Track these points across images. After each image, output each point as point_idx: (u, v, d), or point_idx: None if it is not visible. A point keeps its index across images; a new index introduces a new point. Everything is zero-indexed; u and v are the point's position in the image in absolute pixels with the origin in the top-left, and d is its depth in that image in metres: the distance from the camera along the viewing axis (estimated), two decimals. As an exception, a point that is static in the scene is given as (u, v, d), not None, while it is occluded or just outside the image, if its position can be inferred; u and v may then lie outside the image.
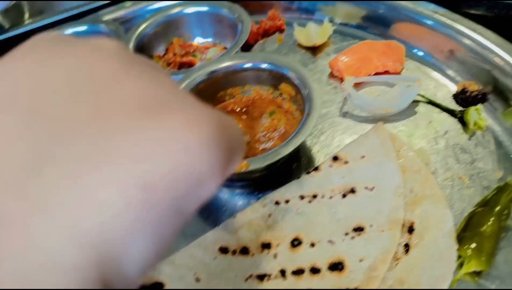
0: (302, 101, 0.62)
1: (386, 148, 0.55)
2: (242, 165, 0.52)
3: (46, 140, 0.20)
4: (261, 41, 0.84)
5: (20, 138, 0.20)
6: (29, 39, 0.25)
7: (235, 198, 0.59)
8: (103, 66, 0.24)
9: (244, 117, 0.68)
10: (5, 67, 0.23)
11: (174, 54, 0.81)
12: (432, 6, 0.75)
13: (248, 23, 0.75)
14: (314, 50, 0.80)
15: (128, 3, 0.90)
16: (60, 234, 0.18)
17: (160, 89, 0.24)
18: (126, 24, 0.87)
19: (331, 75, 0.74)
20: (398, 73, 0.71)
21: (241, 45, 0.71)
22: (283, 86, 0.66)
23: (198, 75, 0.66)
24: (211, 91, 0.68)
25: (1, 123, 0.20)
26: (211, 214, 0.56)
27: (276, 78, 0.67)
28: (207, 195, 0.23)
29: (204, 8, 0.81)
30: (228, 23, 0.80)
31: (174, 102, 0.23)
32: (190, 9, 0.82)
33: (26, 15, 1.03)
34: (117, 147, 0.20)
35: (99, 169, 0.19)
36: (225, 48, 0.83)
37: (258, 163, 0.52)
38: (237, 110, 0.69)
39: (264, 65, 0.67)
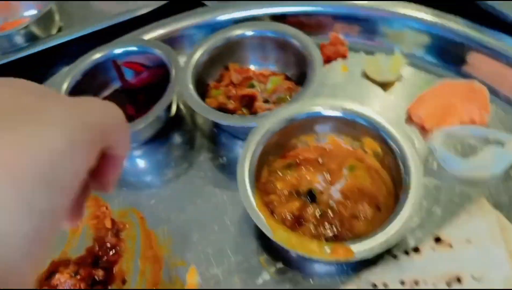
0: (391, 160, 0.57)
1: (493, 232, 0.51)
2: (345, 253, 0.47)
3: None
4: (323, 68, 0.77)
5: None
6: None
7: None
8: None
9: (319, 168, 0.63)
10: None
11: (232, 84, 0.74)
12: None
13: (319, 58, 0.67)
14: (383, 84, 0.74)
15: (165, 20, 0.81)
16: None
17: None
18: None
19: (409, 119, 0.69)
20: (485, 124, 0.66)
21: (313, 87, 0.64)
22: (367, 141, 0.61)
23: (272, 124, 0.60)
24: (284, 139, 0.63)
25: None
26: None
27: (359, 129, 0.61)
28: None
29: (267, 32, 0.73)
30: (293, 50, 0.72)
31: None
32: (251, 32, 0.73)
33: (57, 23, 0.92)
34: None
35: None
36: (285, 76, 0.75)
37: (364, 252, 0.48)
38: (311, 158, 0.64)
39: (345, 115, 0.60)
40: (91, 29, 0.83)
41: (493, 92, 0.69)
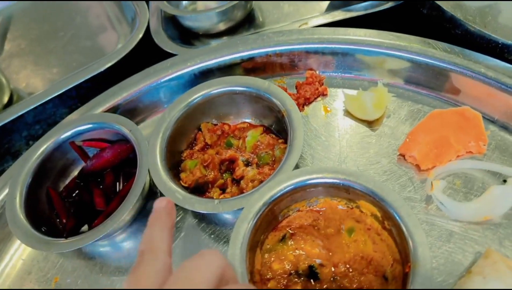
0: (392, 225, 0.52)
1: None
2: None
3: None
4: (302, 112, 0.71)
5: None
6: None
7: None
8: None
9: (315, 234, 0.57)
10: None
11: (207, 145, 0.67)
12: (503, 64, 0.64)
13: (299, 121, 0.60)
14: (369, 121, 0.68)
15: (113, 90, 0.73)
16: None
17: None
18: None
19: (401, 158, 0.63)
20: (482, 154, 0.61)
21: (296, 152, 0.58)
22: (364, 204, 0.55)
23: (258, 206, 0.54)
24: (273, 214, 0.57)
25: None
26: None
27: (353, 193, 0.55)
28: None
29: (238, 88, 0.66)
30: (267, 103, 0.66)
31: None
32: (222, 89, 0.67)
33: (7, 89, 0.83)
34: None
35: None
36: (264, 127, 0.69)
37: None
38: (305, 224, 0.58)
39: (338, 181, 0.55)
40: (46, 96, 0.74)
41: (486, 118, 0.64)
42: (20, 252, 0.66)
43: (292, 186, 0.55)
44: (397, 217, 0.51)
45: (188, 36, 0.88)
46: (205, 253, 0.35)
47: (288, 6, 0.91)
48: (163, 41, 0.82)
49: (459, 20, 0.63)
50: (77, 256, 0.64)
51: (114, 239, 0.65)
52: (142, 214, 0.66)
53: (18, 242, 0.67)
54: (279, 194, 0.54)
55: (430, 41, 0.67)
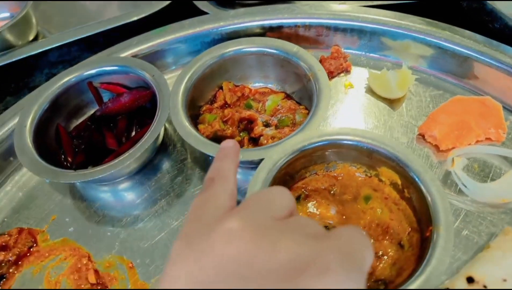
0: (412, 193, 0.52)
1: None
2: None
3: None
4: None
5: None
6: None
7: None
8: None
9: (330, 199, 0.56)
10: None
11: (227, 104, 0.66)
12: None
13: (326, 80, 0.60)
14: (391, 100, 0.68)
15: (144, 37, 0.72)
16: None
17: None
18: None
19: (420, 138, 0.63)
20: (501, 142, 0.62)
21: (321, 113, 0.57)
22: (384, 171, 0.55)
23: (280, 157, 0.53)
24: (291, 171, 0.56)
25: None
26: None
27: (374, 159, 0.55)
28: None
29: (266, 49, 0.66)
30: (293, 68, 0.65)
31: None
32: (248, 48, 0.66)
33: (34, 29, 0.81)
34: None
35: None
36: (285, 94, 0.68)
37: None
38: (321, 188, 0.57)
39: (360, 144, 0.54)
40: (72, 37, 0.73)
41: (507, 109, 0.65)
42: (20, 184, 0.63)
43: (315, 144, 0.54)
44: (420, 183, 0.50)
45: (224, 2, 0.87)
46: (273, 188, 0.34)
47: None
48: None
49: (500, 13, 0.64)
50: (78, 198, 0.62)
51: (117, 186, 0.63)
52: (149, 167, 0.64)
53: (17, 176, 0.64)
54: (302, 149, 0.53)
55: (457, 28, 0.68)
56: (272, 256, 0.26)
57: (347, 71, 0.72)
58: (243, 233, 0.27)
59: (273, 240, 0.27)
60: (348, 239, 0.29)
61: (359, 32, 0.72)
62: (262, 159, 0.53)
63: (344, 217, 0.55)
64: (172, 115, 0.58)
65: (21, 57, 0.77)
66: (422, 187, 0.50)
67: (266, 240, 0.27)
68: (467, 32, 0.68)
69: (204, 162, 0.64)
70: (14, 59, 0.77)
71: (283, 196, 0.33)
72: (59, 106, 0.64)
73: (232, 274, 0.25)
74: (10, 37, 0.80)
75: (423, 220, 0.50)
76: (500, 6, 0.65)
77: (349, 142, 0.54)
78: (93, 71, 0.65)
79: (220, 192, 0.32)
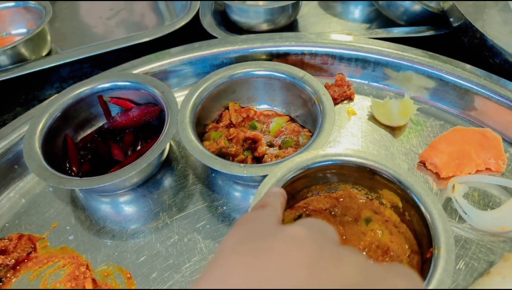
0: (413, 215, 0.52)
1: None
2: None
3: None
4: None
5: None
6: None
7: None
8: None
9: (331, 220, 0.56)
10: None
11: (231, 124, 0.68)
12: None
13: (330, 103, 0.62)
14: (392, 128, 0.70)
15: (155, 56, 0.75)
16: None
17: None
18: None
19: (421, 165, 0.64)
20: (501, 173, 0.63)
21: (326, 133, 0.59)
22: (386, 193, 0.55)
23: (283, 173, 0.53)
24: (293, 189, 0.56)
25: None
26: None
27: (377, 181, 0.55)
28: None
29: (275, 73, 0.68)
30: (299, 92, 0.67)
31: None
32: (259, 71, 0.68)
33: (48, 45, 0.84)
34: None
35: None
36: (289, 117, 0.70)
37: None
38: (322, 209, 0.58)
39: (364, 165, 0.55)
40: (84, 54, 0.76)
41: (506, 141, 0.67)
42: (23, 191, 0.64)
43: (319, 163, 0.55)
44: (421, 205, 0.50)
45: (232, 29, 0.92)
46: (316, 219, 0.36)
47: (334, 24, 0.97)
48: (209, 25, 0.86)
49: (500, 48, 0.67)
50: (80, 207, 0.62)
51: (119, 198, 0.63)
52: (152, 181, 0.65)
53: (21, 183, 0.65)
54: (306, 168, 0.54)
55: (459, 62, 0.70)
56: (338, 266, 0.26)
57: (350, 98, 0.74)
58: (307, 241, 0.28)
59: (337, 251, 0.28)
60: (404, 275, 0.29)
61: (363, 62, 0.75)
62: (265, 176, 0.54)
63: (344, 237, 0.55)
64: (180, 130, 0.59)
65: (34, 70, 0.80)
66: (423, 209, 0.50)
67: (329, 250, 0.27)
68: (468, 66, 0.70)
69: (206, 179, 0.65)
70: (26, 72, 0.80)
71: (332, 227, 0.34)
72: (69, 117, 0.65)
73: (293, 276, 0.26)
74: (24, 51, 0.83)
75: (424, 242, 0.50)
76: (500, 42, 0.68)
77: (352, 164, 0.55)
78: (106, 85, 0.67)
79: (271, 212, 0.35)
